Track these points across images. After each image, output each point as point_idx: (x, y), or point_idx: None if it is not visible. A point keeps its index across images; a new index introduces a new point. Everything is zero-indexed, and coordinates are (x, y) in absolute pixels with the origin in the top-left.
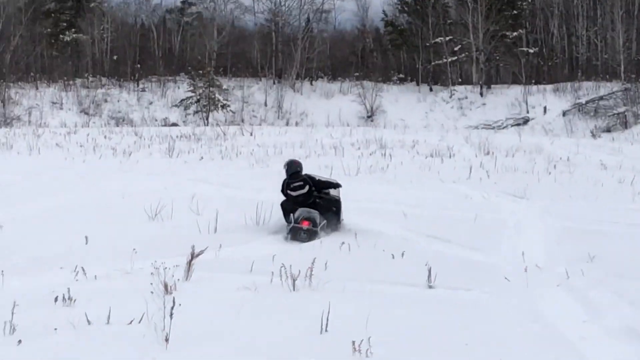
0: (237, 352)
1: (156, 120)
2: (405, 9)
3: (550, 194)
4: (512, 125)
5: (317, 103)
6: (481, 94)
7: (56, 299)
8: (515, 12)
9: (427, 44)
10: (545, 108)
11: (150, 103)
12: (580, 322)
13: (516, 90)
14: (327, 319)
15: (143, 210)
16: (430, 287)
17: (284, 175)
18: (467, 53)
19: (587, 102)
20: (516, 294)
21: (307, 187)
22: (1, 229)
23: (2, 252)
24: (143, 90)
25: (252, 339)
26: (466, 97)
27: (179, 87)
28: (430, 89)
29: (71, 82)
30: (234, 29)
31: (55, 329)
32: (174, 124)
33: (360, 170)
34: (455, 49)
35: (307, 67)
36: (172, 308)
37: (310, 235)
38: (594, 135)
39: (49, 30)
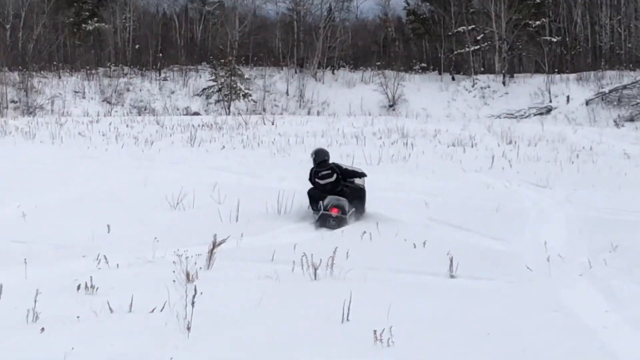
0: (258, 341)
1: (178, 109)
2: None
3: (573, 183)
4: (534, 115)
5: (339, 92)
6: (504, 83)
7: (78, 287)
8: (538, 0)
9: (450, 33)
10: (568, 97)
11: (172, 92)
12: (602, 312)
13: (539, 79)
14: (349, 308)
15: (165, 199)
16: (452, 276)
17: (305, 164)
18: (489, 42)
19: (610, 91)
20: (538, 283)
21: (335, 176)
22: (24, 218)
23: (25, 240)
24: (165, 79)
25: (274, 328)
26: (488, 86)
27: (200, 76)
28: (453, 78)
29: (93, 71)
30: (255, 18)
31: (78, 317)
32: (196, 113)
33: (382, 159)
34: (478, 38)
35: (328, 56)
36: (194, 296)
37: (340, 222)
38: (617, 125)
39: (71, 19)
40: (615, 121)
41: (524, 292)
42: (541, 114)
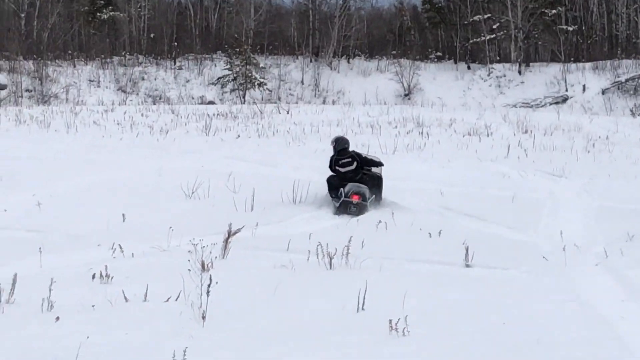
0: (273, 330)
1: (193, 98)
2: None
3: (589, 173)
4: (550, 104)
5: (354, 81)
6: (519, 72)
7: (94, 276)
8: None
9: (465, 22)
10: (584, 86)
11: (187, 81)
12: (618, 302)
13: (555, 69)
14: (364, 298)
15: (180, 188)
16: (467, 266)
17: (320, 153)
18: (505, 31)
19: (626, 81)
20: (554, 273)
21: (355, 164)
22: (39, 207)
23: (41, 229)
24: (180, 68)
25: (289, 317)
26: (504, 75)
27: (215, 65)
28: (468, 67)
29: (108, 60)
30: (270, 7)
31: (93, 306)
32: (211, 102)
33: (397, 148)
34: (494, 26)
35: (344, 45)
36: (209, 286)
37: (360, 209)
38: (633, 114)
39: (86, 8)
40: (631, 110)
41: (539, 282)
42: (557, 103)
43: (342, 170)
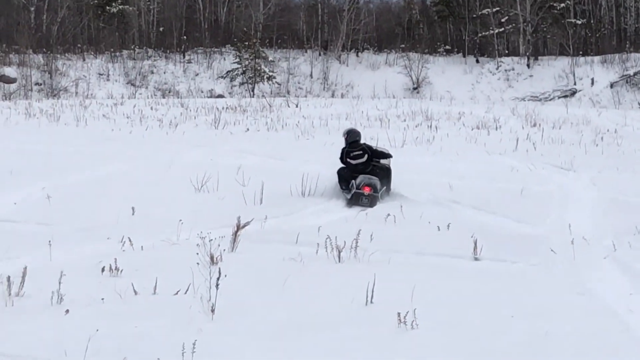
0: (281, 323)
1: (202, 91)
2: None
3: (598, 166)
4: (559, 97)
5: (363, 75)
6: (528, 66)
7: (103, 269)
8: None
9: (474, 15)
10: (592, 80)
11: (196, 74)
12: (627, 295)
13: (563, 62)
14: (373, 291)
15: (189, 182)
16: (476, 259)
17: (329, 147)
18: (514, 24)
19: (635, 74)
20: (563, 266)
21: (366, 156)
22: (49, 200)
23: (50, 222)
24: (189, 61)
25: (297, 310)
26: (513, 69)
27: (224, 59)
28: (477, 61)
29: (118, 54)
30: (279, 0)
31: (102, 298)
32: (220, 96)
33: (406, 142)
34: (502, 20)
35: (352, 38)
36: (218, 279)
37: (372, 200)
38: None
39: (95, 1)
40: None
41: (548, 275)
42: (565, 96)
43: (353, 162)
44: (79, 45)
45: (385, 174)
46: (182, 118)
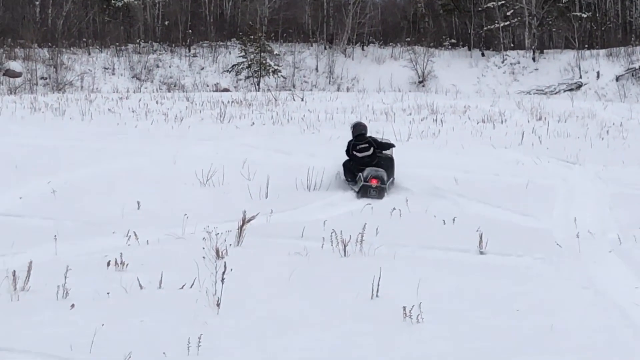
0: (287, 317)
1: (207, 85)
2: None
3: (603, 160)
4: (564, 91)
5: (368, 68)
6: (533, 59)
7: (108, 264)
8: None
9: (479, 9)
10: (598, 73)
11: (202, 68)
12: (632, 289)
13: (569, 55)
14: (378, 285)
15: (194, 176)
16: (481, 253)
17: (334, 141)
18: (519, 18)
19: None
20: (568, 260)
21: (372, 149)
22: (54, 194)
23: (55, 217)
24: (194, 55)
25: (303, 304)
26: (518, 62)
27: (230, 53)
28: (482, 54)
29: (123, 48)
30: None
31: (108, 293)
32: (226, 90)
33: (411, 135)
34: (508, 13)
35: (358, 32)
36: (224, 273)
37: (379, 192)
38: None
39: None
40: None
41: (553, 269)
42: (571, 90)
43: (360, 155)
44: (84, 39)
45: (389, 164)
46: (188, 112)
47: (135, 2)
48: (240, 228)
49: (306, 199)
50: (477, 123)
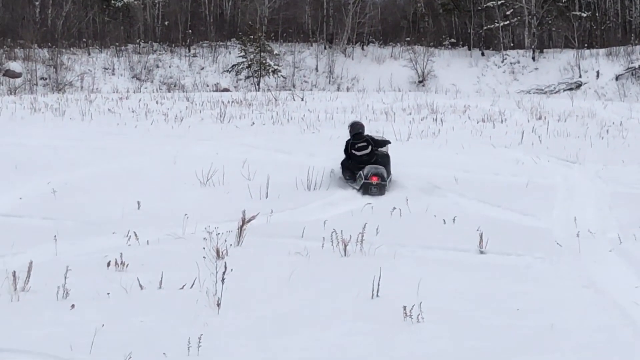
0: (287, 317)
1: (207, 85)
2: None
3: (603, 159)
4: (564, 90)
5: (368, 68)
6: (533, 59)
7: (109, 264)
8: None
9: (479, 8)
10: (597, 72)
11: (202, 68)
12: (632, 288)
13: (569, 55)
14: (378, 284)
15: (195, 176)
16: (481, 252)
17: (334, 140)
18: (519, 17)
19: None
20: (568, 259)
21: (370, 147)
22: (54, 194)
23: (56, 217)
24: (194, 55)
25: (303, 304)
26: (518, 62)
27: (230, 53)
28: (482, 54)
29: (123, 48)
30: None
31: (108, 293)
32: (226, 90)
33: (411, 135)
34: (507, 13)
35: (358, 32)
36: (224, 273)
37: (380, 189)
38: None
39: None
40: None
41: (553, 268)
42: (571, 89)
43: (358, 153)
44: (84, 39)
45: (387, 161)
46: (188, 112)
47: (135, 2)
48: (241, 228)
49: (306, 199)
50: (477, 122)
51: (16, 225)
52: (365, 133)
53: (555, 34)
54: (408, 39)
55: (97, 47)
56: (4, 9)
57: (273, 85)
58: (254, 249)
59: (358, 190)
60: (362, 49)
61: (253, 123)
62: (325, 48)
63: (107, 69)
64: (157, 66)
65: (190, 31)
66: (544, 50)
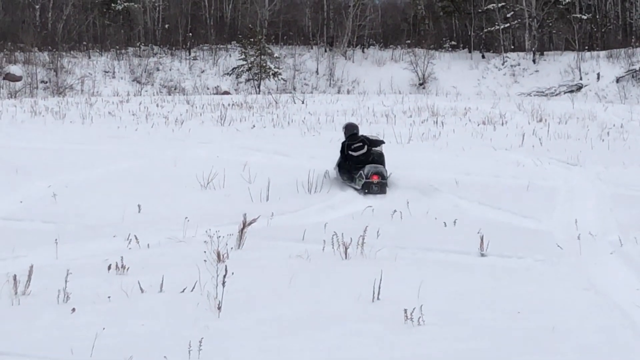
0: (288, 320)
1: (208, 88)
2: None
3: (604, 161)
4: (565, 92)
5: (369, 71)
6: (534, 61)
7: (109, 267)
8: None
9: (479, 11)
10: (598, 75)
11: (202, 71)
12: (633, 290)
13: (569, 57)
14: (379, 287)
15: (195, 179)
16: (482, 255)
17: (335, 143)
18: (519, 19)
19: None
20: (569, 261)
21: (365, 147)
22: (55, 198)
23: (56, 220)
24: (195, 58)
25: (304, 307)
26: (519, 64)
27: (230, 56)
28: (483, 56)
29: (123, 51)
30: None
31: (109, 296)
32: (226, 92)
33: (412, 138)
34: (508, 15)
35: (358, 34)
36: (225, 276)
37: (381, 187)
38: None
39: None
40: None
41: (554, 270)
42: (571, 91)
43: (355, 154)
44: (84, 42)
45: (382, 160)
46: (188, 115)
47: (136, 6)
48: (241, 231)
49: (307, 202)
50: (478, 125)
51: (17, 228)
52: (360, 133)
53: (555, 36)
54: (408, 41)
55: (98, 51)
56: (5, 13)
57: (273, 88)
58: (255, 252)
59: (359, 190)
60: (363, 51)
61: (253, 126)
62: (325, 51)
63: (107, 72)
64: (158, 69)
65: (190, 34)
66: (545, 52)
